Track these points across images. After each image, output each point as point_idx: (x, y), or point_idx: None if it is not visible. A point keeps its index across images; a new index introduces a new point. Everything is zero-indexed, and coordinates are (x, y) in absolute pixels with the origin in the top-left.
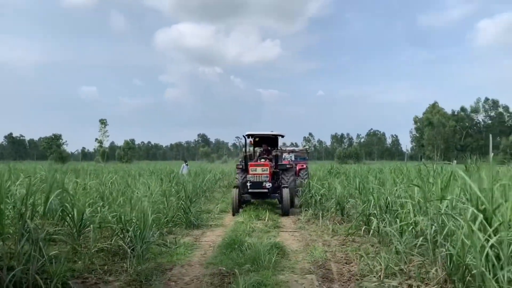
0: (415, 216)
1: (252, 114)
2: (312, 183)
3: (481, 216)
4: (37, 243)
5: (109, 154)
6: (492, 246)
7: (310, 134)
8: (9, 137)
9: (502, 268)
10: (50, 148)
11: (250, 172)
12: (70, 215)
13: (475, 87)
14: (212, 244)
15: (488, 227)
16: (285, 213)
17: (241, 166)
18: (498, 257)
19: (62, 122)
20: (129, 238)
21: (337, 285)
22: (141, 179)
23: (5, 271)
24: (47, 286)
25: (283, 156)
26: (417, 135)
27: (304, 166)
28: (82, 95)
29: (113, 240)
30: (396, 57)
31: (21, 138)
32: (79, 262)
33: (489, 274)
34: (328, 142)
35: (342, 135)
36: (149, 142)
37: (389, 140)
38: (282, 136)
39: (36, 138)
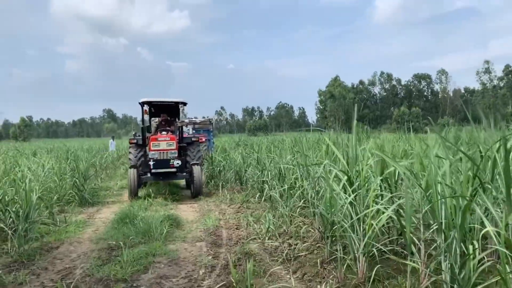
0: (302, 181)
1: (161, 88)
2: (214, 155)
3: (345, 177)
4: None
5: (2, 132)
6: (351, 203)
7: (222, 107)
8: None
9: (358, 220)
10: None
11: (152, 148)
12: None
13: (372, 62)
14: (106, 220)
15: (349, 187)
16: (198, 194)
17: (135, 141)
18: (356, 212)
19: None
20: (11, 219)
21: (224, 249)
22: (32, 158)
23: None
24: None
25: None
26: (321, 107)
27: (203, 140)
28: None
29: None
30: (300, 32)
31: None
32: None
33: (348, 225)
34: (240, 115)
35: (253, 108)
36: (48, 119)
37: (296, 113)
38: (184, 104)
39: None
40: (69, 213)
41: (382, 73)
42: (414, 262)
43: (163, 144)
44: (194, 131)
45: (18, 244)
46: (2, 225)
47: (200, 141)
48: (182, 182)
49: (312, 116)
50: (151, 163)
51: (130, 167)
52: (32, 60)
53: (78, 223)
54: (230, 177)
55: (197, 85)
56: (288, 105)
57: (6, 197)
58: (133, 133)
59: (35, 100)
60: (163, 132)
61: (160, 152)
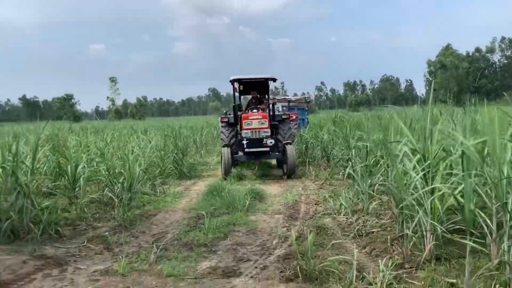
0: (386, 159)
1: (263, 65)
2: (303, 133)
3: (417, 156)
4: (28, 196)
5: (122, 111)
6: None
7: (322, 83)
8: (23, 98)
9: (427, 199)
10: (63, 108)
11: (245, 126)
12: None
13: (490, 26)
14: (200, 192)
15: (418, 166)
16: (291, 174)
17: (226, 120)
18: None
19: (73, 81)
20: (118, 189)
21: (299, 222)
22: (141, 136)
23: (4, 220)
24: (41, 233)
25: None
26: (430, 79)
27: (294, 117)
28: (91, 53)
29: (104, 191)
30: None
31: (35, 99)
32: (73, 212)
33: (416, 204)
34: (341, 90)
35: (355, 83)
36: (160, 99)
37: (403, 85)
38: (274, 80)
39: (49, 99)
40: (168, 185)
41: (503, 38)
42: (482, 243)
43: (255, 123)
44: (284, 108)
45: (122, 211)
46: (111, 195)
47: (290, 119)
48: (273, 160)
49: (420, 89)
50: (244, 142)
51: (223, 146)
52: (146, 45)
53: (175, 194)
54: (317, 154)
55: (298, 60)
56: (393, 77)
57: (116, 170)
58: (224, 111)
59: (149, 81)
60: (254, 110)
61: (252, 131)
